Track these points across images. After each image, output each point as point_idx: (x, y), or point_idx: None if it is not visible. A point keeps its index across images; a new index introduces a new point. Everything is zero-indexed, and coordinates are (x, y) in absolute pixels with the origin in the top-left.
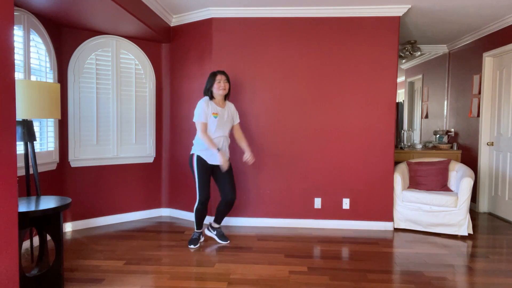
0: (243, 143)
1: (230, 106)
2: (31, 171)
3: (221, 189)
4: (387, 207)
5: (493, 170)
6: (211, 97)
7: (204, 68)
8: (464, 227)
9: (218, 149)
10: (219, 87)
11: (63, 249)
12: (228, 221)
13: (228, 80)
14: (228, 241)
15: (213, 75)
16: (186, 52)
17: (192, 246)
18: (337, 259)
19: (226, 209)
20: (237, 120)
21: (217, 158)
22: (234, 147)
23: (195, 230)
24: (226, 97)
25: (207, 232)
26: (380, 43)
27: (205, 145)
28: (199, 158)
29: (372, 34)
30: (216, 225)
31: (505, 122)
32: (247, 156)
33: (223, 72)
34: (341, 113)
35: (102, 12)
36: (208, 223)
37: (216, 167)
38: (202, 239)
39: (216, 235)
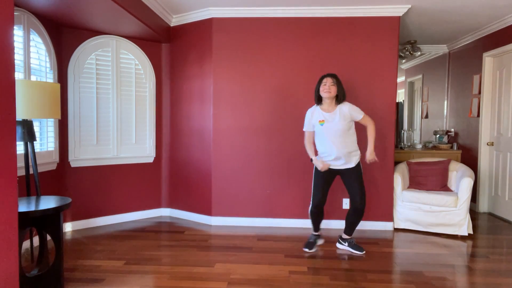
0: (369, 138)
1: (342, 107)
2: (31, 171)
3: (350, 195)
4: (387, 207)
5: (493, 170)
6: (319, 102)
7: (204, 68)
8: (464, 227)
9: (312, 159)
10: (323, 90)
11: (63, 249)
12: (228, 221)
13: (335, 83)
14: (364, 252)
15: (320, 78)
16: (186, 52)
17: (306, 250)
18: (337, 259)
19: (354, 217)
20: (357, 117)
21: (335, 163)
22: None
23: (312, 233)
24: (339, 101)
25: (338, 245)
26: (380, 43)
27: (322, 150)
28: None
29: (372, 34)
30: (346, 236)
31: (505, 122)
32: (367, 155)
33: (330, 75)
34: None
35: (102, 12)
36: (338, 235)
37: (343, 171)
38: (319, 242)
39: (348, 246)
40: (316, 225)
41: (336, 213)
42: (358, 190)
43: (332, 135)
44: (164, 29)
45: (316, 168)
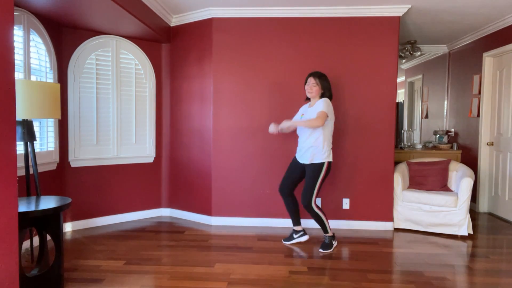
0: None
1: (317, 102)
2: (31, 171)
3: None
4: (387, 207)
5: (493, 170)
6: (307, 99)
7: (204, 68)
8: (464, 227)
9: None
10: (306, 90)
11: (63, 249)
12: (228, 221)
13: (318, 83)
14: (327, 250)
15: (306, 77)
16: (186, 52)
17: (283, 241)
18: (337, 259)
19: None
20: (317, 111)
21: (299, 156)
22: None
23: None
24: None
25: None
26: (380, 43)
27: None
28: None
29: (372, 34)
30: (297, 228)
31: (505, 122)
32: (282, 122)
33: (313, 74)
34: (341, 113)
35: (102, 12)
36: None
37: (304, 165)
38: (301, 239)
39: (300, 237)
40: (292, 217)
41: (336, 213)
42: (306, 187)
43: (302, 129)
44: (164, 29)
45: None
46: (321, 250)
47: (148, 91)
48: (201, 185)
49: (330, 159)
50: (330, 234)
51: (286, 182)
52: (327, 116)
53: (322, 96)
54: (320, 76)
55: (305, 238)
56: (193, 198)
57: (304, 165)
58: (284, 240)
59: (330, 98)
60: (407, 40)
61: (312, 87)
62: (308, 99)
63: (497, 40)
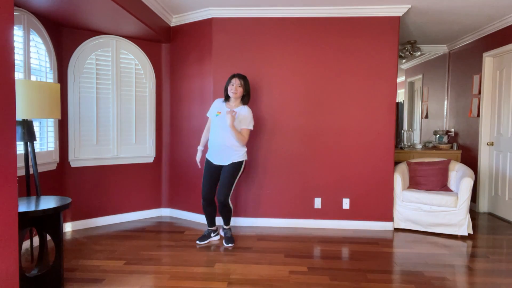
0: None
1: (243, 108)
2: (31, 171)
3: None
4: (387, 207)
5: (493, 170)
6: (226, 99)
7: (204, 68)
8: (464, 227)
9: (200, 149)
10: (230, 90)
11: (63, 249)
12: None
13: (242, 84)
14: (231, 244)
15: (230, 77)
16: (186, 52)
17: (197, 242)
18: (337, 259)
19: (220, 209)
20: (242, 125)
21: (216, 157)
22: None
23: (207, 228)
24: (245, 101)
25: (221, 232)
26: (380, 43)
27: (210, 140)
28: (206, 159)
29: (372, 34)
30: (224, 226)
31: (505, 122)
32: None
33: (238, 76)
34: (341, 113)
35: (102, 12)
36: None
37: (222, 167)
38: (214, 238)
39: (224, 235)
40: (210, 219)
41: (336, 213)
42: (224, 184)
43: (221, 127)
44: (164, 29)
45: (205, 162)
46: (230, 245)
47: (148, 91)
48: (201, 185)
49: (246, 158)
50: (230, 226)
51: (211, 189)
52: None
53: (243, 98)
54: (244, 78)
55: (218, 237)
56: (193, 198)
57: (221, 166)
58: (200, 241)
59: (248, 102)
60: (407, 40)
61: (237, 87)
62: (227, 99)
63: (497, 40)
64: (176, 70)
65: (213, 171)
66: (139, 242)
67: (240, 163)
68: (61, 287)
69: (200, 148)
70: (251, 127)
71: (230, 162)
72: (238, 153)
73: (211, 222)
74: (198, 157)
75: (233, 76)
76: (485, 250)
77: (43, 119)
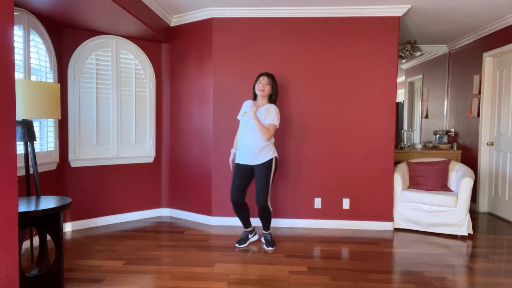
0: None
1: (268, 107)
2: (31, 171)
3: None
4: (387, 207)
5: (493, 170)
6: (255, 99)
7: (204, 68)
8: (464, 227)
9: (233, 151)
10: (258, 87)
11: (63, 249)
12: (228, 221)
13: (270, 82)
14: (271, 248)
15: (257, 76)
16: (186, 52)
17: (236, 245)
18: (337, 259)
19: (260, 213)
20: (268, 120)
21: (244, 158)
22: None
23: (243, 230)
24: (272, 101)
25: (261, 239)
26: (380, 43)
27: (238, 148)
28: (236, 162)
29: (372, 34)
30: (263, 231)
31: (505, 122)
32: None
33: (266, 74)
34: (341, 113)
35: (102, 12)
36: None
37: (254, 167)
38: (252, 238)
39: (263, 239)
40: (244, 221)
41: (336, 213)
42: (259, 187)
43: (248, 127)
44: (164, 29)
45: (234, 166)
46: (270, 248)
47: (148, 91)
48: (201, 185)
49: (277, 154)
50: (270, 231)
51: (240, 192)
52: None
53: (270, 97)
54: (272, 77)
55: (257, 236)
56: (193, 198)
57: (252, 167)
58: (239, 244)
59: (276, 101)
60: (407, 40)
61: (265, 85)
62: (255, 99)
63: (497, 40)
64: (176, 70)
65: (243, 173)
66: (139, 242)
67: (270, 161)
68: (61, 287)
69: (233, 150)
70: (277, 123)
71: (260, 162)
72: (266, 151)
73: (246, 223)
74: (230, 159)
75: (261, 74)
76: (485, 250)
77: (43, 119)
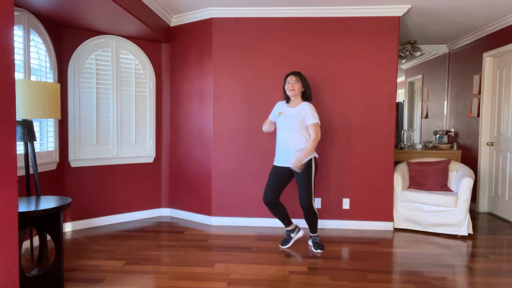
0: (306, 145)
1: (304, 105)
2: (31, 171)
3: (298, 193)
4: (387, 207)
5: (493, 170)
6: (287, 99)
7: (204, 68)
8: (464, 227)
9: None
10: (288, 88)
11: (63, 249)
12: (228, 221)
13: (299, 80)
14: (320, 251)
15: (285, 77)
16: (186, 52)
17: (280, 246)
18: (337, 259)
19: (305, 216)
20: (307, 121)
21: (282, 160)
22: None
23: (285, 229)
24: (305, 98)
25: (308, 242)
26: (380, 43)
27: (276, 150)
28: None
29: (372, 34)
30: (310, 234)
31: (505, 122)
32: (293, 160)
33: (293, 73)
34: (341, 113)
35: (102, 12)
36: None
37: (292, 168)
38: (298, 235)
39: (311, 242)
40: (283, 220)
41: (336, 213)
42: (303, 188)
43: (285, 128)
44: (164, 29)
45: (272, 168)
46: (319, 251)
47: (148, 91)
48: (201, 185)
49: (316, 154)
50: (317, 233)
51: (274, 193)
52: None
53: (303, 94)
54: (299, 74)
55: (302, 232)
56: (193, 198)
57: (289, 169)
58: (282, 245)
59: (311, 97)
60: (407, 40)
61: (293, 84)
62: (288, 100)
63: (497, 40)
64: (176, 70)
65: (280, 175)
66: (139, 242)
67: (310, 161)
68: (61, 287)
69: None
70: (318, 120)
71: (304, 163)
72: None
73: (286, 222)
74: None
75: (288, 74)
76: (485, 250)
77: (43, 119)
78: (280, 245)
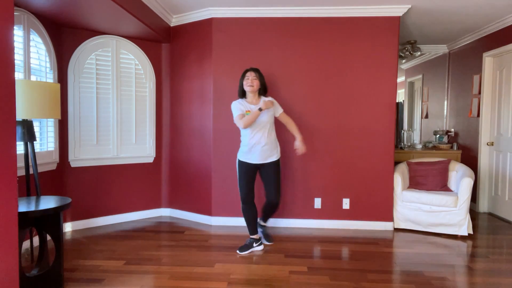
0: (293, 129)
1: (265, 100)
2: (31, 171)
3: (266, 189)
4: (387, 207)
5: (493, 170)
6: (243, 96)
7: (204, 68)
8: (464, 227)
9: (260, 109)
10: (246, 83)
11: (63, 249)
12: (228, 221)
13: (258, 77)
14: (271, 242)
15: (243, 73)
16: (186, 52)
17: (238, 252)
18: (337, 259)
19: (269, 207)
20: (278, 111)
21: (255, 157)
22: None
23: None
24: (261, 94)
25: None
26: (380, 43)
27: (244, 147)
28: (239, 162)
29: (372, 34)
30: (262, 223)
31: (505, 122)
32: (297, 144)
33: (252, 69)
34: (341, 113)
35: (102, 12)
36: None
37: (264, 165)
38: (257, 248)
39: (261, 233)
40: (254, 224)
41: (336, 213)
42: (276, 184)
43: (258, 125)
44: (164, 29)
45: (240, 166)
46: (271, 243)
47: (148, 91)
48: (201, 185)
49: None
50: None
51: (251, 190)
52: None
53: (259, 91)
54: (258, 71)
55: (262, 247)
56: (193, 198)
57: (263, 164)
58: (240, 251)
59: (265, 94)
60: (407, 40)
61: (253, 80)
62: (243, 96)
63: (497, 40)
64: (176, 70)
65: (253, 172)
66: (139, 242)
67: (279, 158)
68: (61, 287)
69: (260, 109)
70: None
71: (276, 159)
72: (278, 149)
73: (254, 229)
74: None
75: (247, 70)
76: (485, 250)
77: (43, 119)
78: (238, 251)
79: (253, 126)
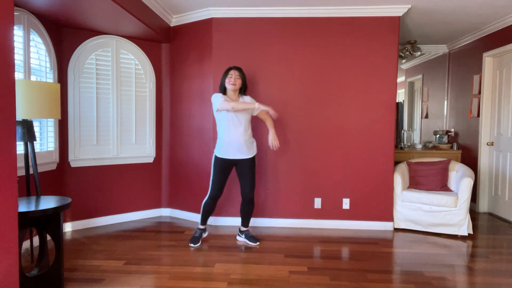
0: (269, 124)
1: (245, 98)
2: (31, 171)
3: (241, 186)
4: (387, 207)
5: (493, 170)
6: (224, 92)
7: (204, 68)
8: (464, 227)
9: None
10: (229, 82)
11: (63, 249)
12: (228, 221)
13: (240, 76)
14: (258, 243)
15: (227, 70)
16: (186, 52)
17: (191, 245)
18: (337, 259)
19: (247, 208)
20: (257, 109)
21: (231, 153)
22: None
23: (198, 227)
24: (241, 93)
25: (238, 238)
26: (380, 43)
27: (221, 143)
28: (216, 158)
29: (372, 34)
30: (243, 228)
31: (505, 122)
32: (272, 139)
33: (236, 68)
34: (341, 113)
35: (102, 12)
36: (238, 228)
37: (240, 161)
38: (204, 235)
39: (245, 238)
40: (207, 218)
41: (336, 213)
42: (251, 180)
43: (235, 124)
44: (164, 29)
45: (216, 161)
46: (258, 243)
47: (148, 91)
48: (201, 185)
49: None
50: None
51: (222, 188)
52: None
53: (240, 90)
54: (241, 70)
55: (207, 233)
56: (193, 198)
57: (238, 161)
58: (192, 243)
59: (245, 92)
60: (407, 40)
61: (236, 79)
62: (224, 93)
63: (497, 40)
64: (176, 70)
65: (229, 169)
66: (139, 242)
67: (255, 155)
68: (61, 287)
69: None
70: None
71: (253, 155)
72: (254, 145)
73: (206, 219)
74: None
75: (230, 68)
76: (485, 250)
77: (43, 119)
78: (191, 244)
79: (231, 123)
